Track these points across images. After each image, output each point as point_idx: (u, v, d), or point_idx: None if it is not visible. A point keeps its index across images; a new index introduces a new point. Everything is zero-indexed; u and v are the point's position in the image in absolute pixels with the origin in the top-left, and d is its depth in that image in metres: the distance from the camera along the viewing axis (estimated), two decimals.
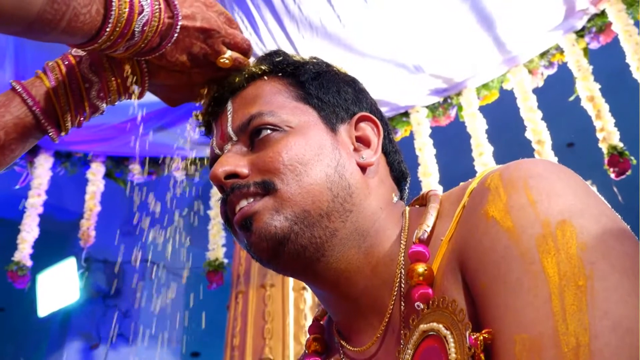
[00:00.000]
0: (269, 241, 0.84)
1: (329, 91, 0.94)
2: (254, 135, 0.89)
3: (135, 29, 0.86)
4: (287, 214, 0.84)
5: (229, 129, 0.92)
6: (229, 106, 0.94)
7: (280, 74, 0.95)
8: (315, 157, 0.86)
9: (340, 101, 0.94)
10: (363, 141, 0.94)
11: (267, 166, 0.86)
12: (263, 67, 0.96)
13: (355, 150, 0.92)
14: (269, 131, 0.88)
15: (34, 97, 0.93)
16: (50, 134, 0.95)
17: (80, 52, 0.97)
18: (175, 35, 0.91)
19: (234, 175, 0.87)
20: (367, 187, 0.89)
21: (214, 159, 0.94)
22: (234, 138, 0.91)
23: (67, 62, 0.96)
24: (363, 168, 0.91)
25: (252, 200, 0.86)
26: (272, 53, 0.99)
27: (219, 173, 0.87)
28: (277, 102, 0.91)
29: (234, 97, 0.95)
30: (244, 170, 0.87)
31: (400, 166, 0.98)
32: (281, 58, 0.97)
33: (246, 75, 0.96)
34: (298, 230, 0.84)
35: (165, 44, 0.91)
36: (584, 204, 0.69)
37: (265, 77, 0.95)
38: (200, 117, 1.00)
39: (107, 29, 0.85)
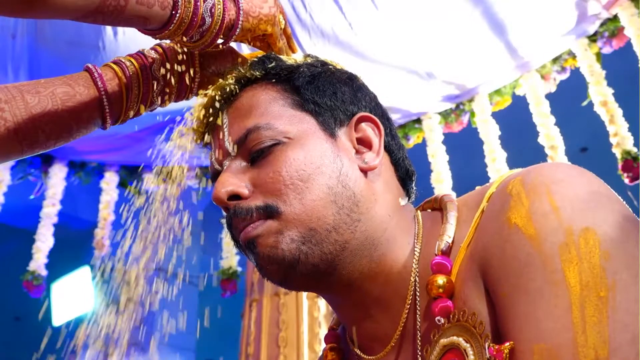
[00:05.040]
0: (279, 264, 0.82)
1: (325, 94, 0.90)
2: (252, 150, 0.86)
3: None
4: (292, 235, 0.81)
5: (227, 144, 0.89)
6: (224, 118, 0.91)
7: (274, 80, 0.92)
8: (317, 170, 0.83)
9: (338, 103, 0.90)
10: (364, 143, 0.90)
11: (268, 187, 0.83)
12: (256, 74, 0.92)
13: (358, 152, 0.89)
14: (267, 144, 0.85)
15: (105, 83, 0.94)
16: (107, 119, 0.96)
17: (153, 54, 0.99)
18: (242, 10, 0.94)
19: (236, 196, 0.85)
20: (372, 193, 0.86)
21: (215, 173, 0.92)
22: (232, 153, 0.88)
23: (140, 60, 0.98)
24: (366, 172, 0.88)
25: (256, 223, 0.83)
26: (265, 58, 0.95)
27: (221, 195, 0.84)
28: (273, 112, 0.88)
29: (229, 107, 0.92)
30: (245, 191, 0.84)
31: (405, 163, 0.94)
32: (274, 63, 0.93)
33: (240, 83, 0.93)
34: (307, 250, 0.81)
35: (237, 23, 0.94)
36: (607, 210, 0.68)
37: (259, 84, 0.92)
38: (196, 130, 0.96)
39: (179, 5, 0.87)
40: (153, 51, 1.00)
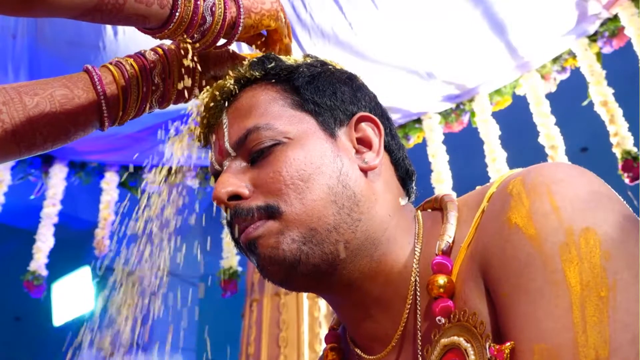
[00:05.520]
0: (280, 265, 0.82)
1: (324, 94, 0.90)
2: (252, 150, 0.86)
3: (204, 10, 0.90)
4: (293, 236, 0.81)
5: (226, 144, 0.88)
6: (224, 118, 0.91)
7: (273, 80, 0.91)
8: (317, 170, 0.83)
9: (337, 103, 0.90)
10: (364, 143, 0.90)
11: (269, 187, 0.83)
12: (256, 74, 0.92)
13: (358, 152, 0.88)
14: (267, 144, 0.85)
15: (104, 87, 0.94)
16: (104, 123, 0.96)
17: (153, 56, 0.98)
18: (242, 8, 0.94)
19: (236, 196, 0.85)
20: (373, 193, 0.86)
21: (215, 174, 0.92)
22: (232, 154, 0.88)
23: (140, 62, 0.98)
24: (366, 172, 0.87)
25: (257, 223, 0.83)
26: (264, 58, 0.94)
27: (221, 195, 0.84)
28: (272, 112, 0.87)
29: (229, 107, 0.91)
30: (245, 191, 0.84)
31: (405, 163, 0.94)
32: (273, 63, 0.93)
33: (239, 83, 0.93)
34: (308, 250, 0.81)
35: (239, 20, 0.94)
36: (607, 210, 0.68)
37: (259, 84, 0.92)
38: (196, 130, 0.96)
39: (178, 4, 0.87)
40: (153, 53, 0.99)
